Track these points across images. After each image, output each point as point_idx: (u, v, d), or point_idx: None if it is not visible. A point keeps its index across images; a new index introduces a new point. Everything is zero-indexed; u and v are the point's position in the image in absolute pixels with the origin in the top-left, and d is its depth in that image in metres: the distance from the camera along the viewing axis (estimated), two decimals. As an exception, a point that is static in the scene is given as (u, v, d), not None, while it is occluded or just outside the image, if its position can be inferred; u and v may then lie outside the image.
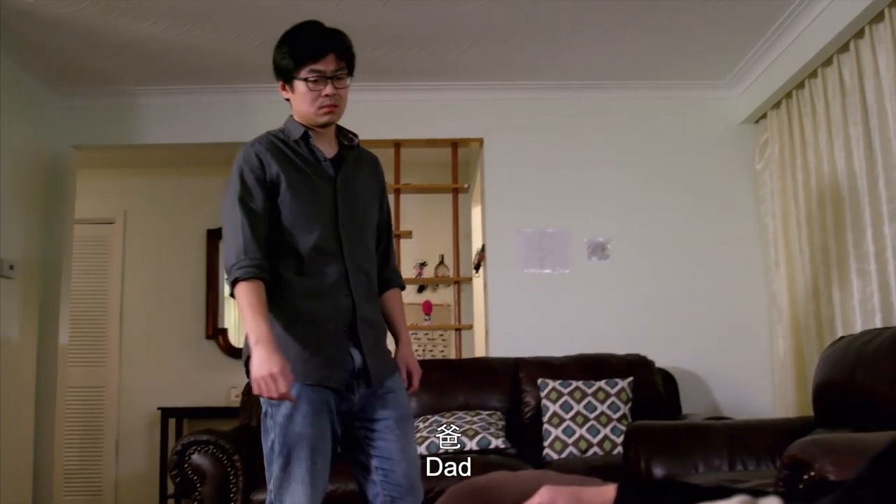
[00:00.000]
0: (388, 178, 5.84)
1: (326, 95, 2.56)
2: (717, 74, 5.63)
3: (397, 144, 5.80)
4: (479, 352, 6.15)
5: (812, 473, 2.24)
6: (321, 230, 2.55)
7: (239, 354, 7.20)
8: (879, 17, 4.17)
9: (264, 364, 2.32)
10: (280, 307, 2.53)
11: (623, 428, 4.43)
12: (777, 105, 5.39)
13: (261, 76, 5.47)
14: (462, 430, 4.41)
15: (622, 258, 5.58)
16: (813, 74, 4.90)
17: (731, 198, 5.73)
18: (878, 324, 4.11)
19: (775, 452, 3.40)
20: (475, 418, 4.56)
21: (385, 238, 2.86)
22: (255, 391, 2.35)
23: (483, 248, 5.81)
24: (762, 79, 5.37)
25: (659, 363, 5.12)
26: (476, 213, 6.60)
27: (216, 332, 7.27)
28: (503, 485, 1.48)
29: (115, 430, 7.04)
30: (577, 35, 4.96)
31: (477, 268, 6.43)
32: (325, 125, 2.64)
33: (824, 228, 4.77)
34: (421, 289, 7.28)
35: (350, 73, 2.66)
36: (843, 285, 4.57)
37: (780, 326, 5.32)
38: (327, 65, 2.56)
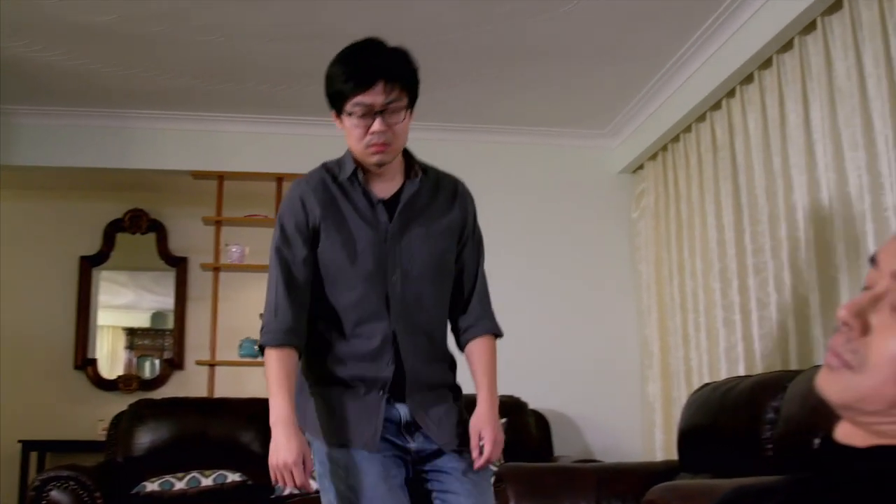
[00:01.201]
0: (269, 212, 5.81)
1: (374, 132, 2.17)
2: (598, 124, 5.78)
3: (279, 178, 5.74)
4: (356, 389, 6.10)
5: (669, 518, 2.30)
6: (363, 287, 2.25)
7: (109, 386, 7.02)
8: (749, 79, 4.37)
9: (280, 451, 2.11)
10: (313, 369, 2.31)
11: (495, 469, 4.45)
12: (654, 157, 5.57)
13: (141, 102, 5.41)
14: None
15: (498, 299, 5.52)
16: (688, 129, 5.09)
17: (607, 244, 5.86)
18: (741, 372, 4.26)
19: (640, 495, 3.46)
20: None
21: (472, 281, 2.47)
22: (272, 479, 2.16)
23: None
24: (640, 131, 5.55)
25: (532, 405, 5.18)
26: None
27: (85, 363, 7.04)
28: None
29: (-29, 463, 6.71)
30: (461, 79, 5.03)
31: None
32: (377, 165, 2.25)
33: (694, 277, 4.93)
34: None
35: (410, 103, 2.25)
36: (710, 333, 4.72)
37: (650, 371, 5.46)
38: (375, 96, 2.15)
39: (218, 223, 5.70)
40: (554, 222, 5.81)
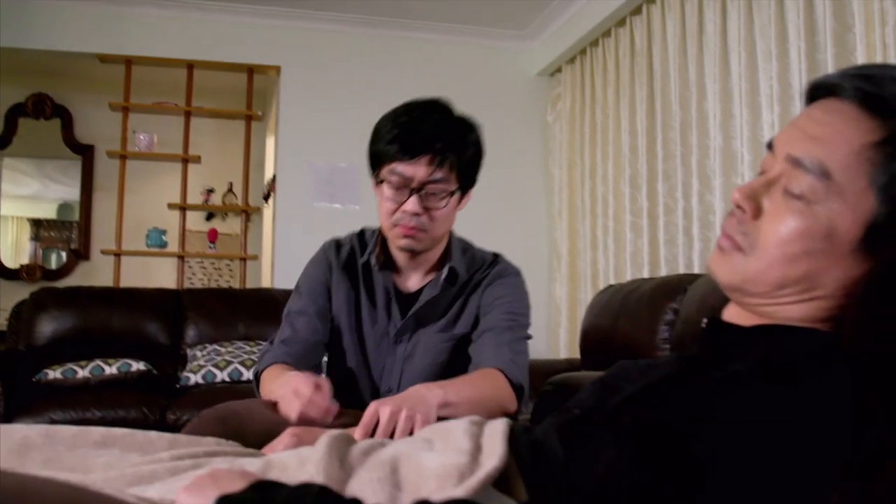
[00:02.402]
0: (179, 101, 5.64)
1: (406, 211, 1.81)
2: (518, 24, 5.72)
3: (190, 66, 5.57)
4: (265, 283, 6.08)
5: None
6: (368, 394, 1.94)
7: (11, 275, 6.84)
8: (670, -16, 4.37)
9: (287, 392, 1.55)
10: None
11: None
12: (571, 60, 5.55)
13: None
14: (240, 360, 4.36)
15: (414, 199, 5.60)
16: (607, 33, 5.08)
17: (522, 146, 5.87)
18: (646, 275, 4.36)
19: (541, 392, 3.55)
20: (255, 349, 4.51)
21: (495, 340, 1.87)
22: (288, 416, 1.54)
23: (274, 179, 5.72)
24: (559, 33, 5.51)
25: (442, 303, 5.22)
26: (270, 143, 6.48)
27: (-15, 250, 6.85)
28: (255, 411, 1.46)
29: None
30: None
31: (267, 198, 6.33)
32: (404, 250, 1.90)
33: (605, 182, 4.99)
34: (209, 216, 7.10)
35: (462, 188, 1.96)
36: (617, 237, 4.80)
37: (558, 273, 5.55)
38: (416, 169, 1.80)
39: (125, 110, 5.52)
40: (470, 122, 5.77)
